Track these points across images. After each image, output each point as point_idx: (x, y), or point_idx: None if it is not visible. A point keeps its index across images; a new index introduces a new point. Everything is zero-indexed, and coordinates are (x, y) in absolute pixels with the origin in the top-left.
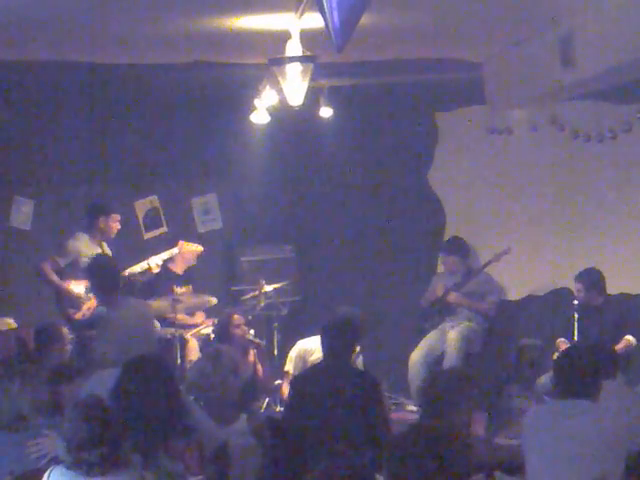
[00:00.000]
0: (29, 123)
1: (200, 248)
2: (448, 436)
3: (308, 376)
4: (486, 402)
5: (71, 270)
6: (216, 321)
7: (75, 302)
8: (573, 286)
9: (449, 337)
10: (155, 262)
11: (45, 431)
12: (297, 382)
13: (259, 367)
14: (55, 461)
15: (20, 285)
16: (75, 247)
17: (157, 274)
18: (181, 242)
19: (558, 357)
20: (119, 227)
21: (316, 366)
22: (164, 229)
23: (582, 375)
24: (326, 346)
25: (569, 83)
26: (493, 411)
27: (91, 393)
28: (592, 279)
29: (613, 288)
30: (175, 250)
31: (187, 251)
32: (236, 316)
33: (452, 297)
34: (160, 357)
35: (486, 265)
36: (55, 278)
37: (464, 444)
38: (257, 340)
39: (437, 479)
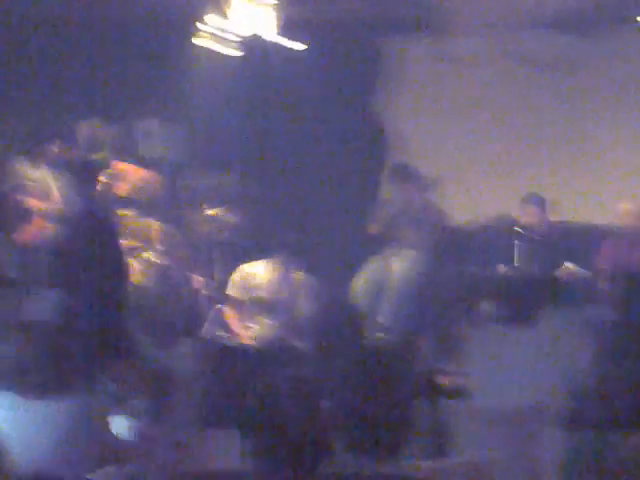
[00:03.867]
0: None
1: (136, 169)
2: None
3: None
4: (429, 328)
5: None
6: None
7: None
8: (519, 211)
9: (395, 265)
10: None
11: None
12: None
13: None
14: None
15: None
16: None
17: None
18: (115, 162)
19: (497, 284)
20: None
21: None
22: (105, 153)
23: (521, 301)
24: None
25: (521, 10)
26: (436, 337)
27: (33, 315)
28: (542, 203)
29: (554, 216)
30: (110, 170)
31: (129, 172)
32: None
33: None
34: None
35: (422, 191)
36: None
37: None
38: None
39: (383, 402)
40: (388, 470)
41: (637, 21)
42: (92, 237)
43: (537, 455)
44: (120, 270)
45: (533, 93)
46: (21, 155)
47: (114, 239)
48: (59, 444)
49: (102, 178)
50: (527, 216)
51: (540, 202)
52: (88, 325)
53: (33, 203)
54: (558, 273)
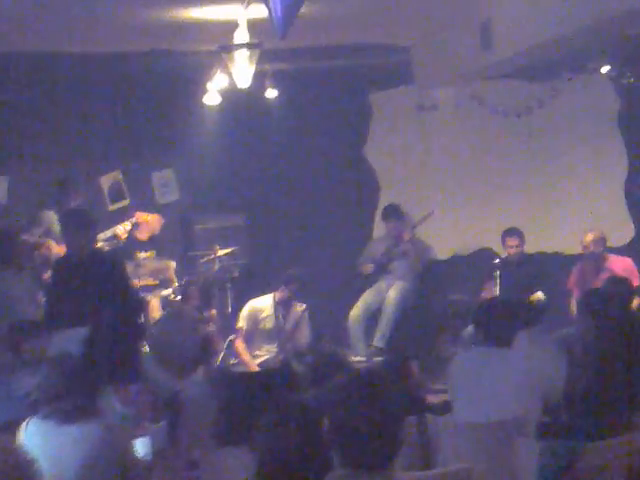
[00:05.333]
0: (3, 110)
1: (155, 218)
2: (386, 381)
3: None
4: (419, 351)
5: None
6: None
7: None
8: (501, 242)
9: (389, 295)
10: (121, 230)
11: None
12: None
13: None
14: (33, 409)
15: None
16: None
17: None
18: (138, 213)
19: (477, 310)
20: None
21: None
22: (127, 201)
23: (499, 325)
24: None
25: (488, 64)
26: (425, 359)
27: (61, 348)
28: (520, 235)
29: (529, 247)
30: (133, 219)
31: (144, 220)
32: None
33: (407, 236)
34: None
35: (413, 227)
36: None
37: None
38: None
39: (376, 420)
40: None
41: (598, 71)
42: (103, 277)
43: (515, 463)
44: (136, 306)
45: (504, 136)
46: (50, 207)
47: (124, 277)
48: (86, 464)
49: (125, 226)
50: (508, 247)
51: (519, 235)
52: (109, 357)
53: (58, 249)
54: (532, 299)
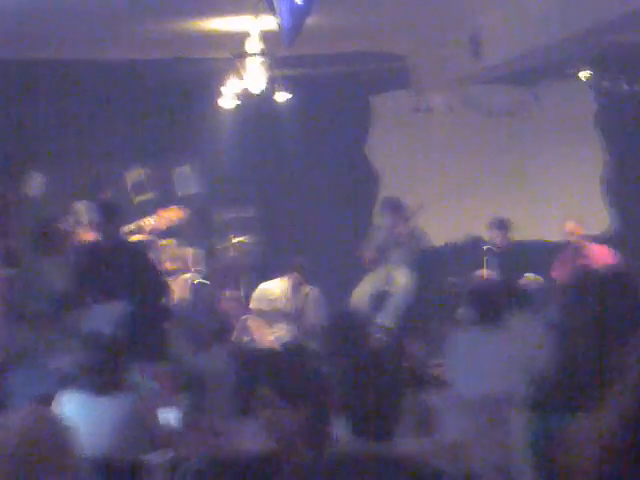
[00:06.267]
0: (40, 112)
1: (174, 210)
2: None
3: None
4: (419, 331)
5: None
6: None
7: None
8: (487, 232)
9: (399, 281)
10: (145, 224)
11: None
12: None
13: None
14: (64, 382)
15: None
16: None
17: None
18: (160, 210)
19: (470, 291)
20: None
21: None
22: (149, 194)
23: (489, 305)
24: None
25: (477, 70)
26: (424, 338)
27: (93, 327)
28: (506, 225)
29: (514, 236)
30: (155, 216)
31: (168, 213)
32: None
33: (400, 229)
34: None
35: (408, 219)
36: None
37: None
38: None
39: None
40: (383, 449)
41: (577, 76)
42: (132, 261)
43: (506, 435)
44: (161, 287)
45: (492, 135)
46: (80, 199)
47: (149, 262)
48: (118, 432)
49: (149, 220)
50: (494, 236)
51: (504, 224)
52: (138, 334)
53: (87, 236)
54: (521, 282)
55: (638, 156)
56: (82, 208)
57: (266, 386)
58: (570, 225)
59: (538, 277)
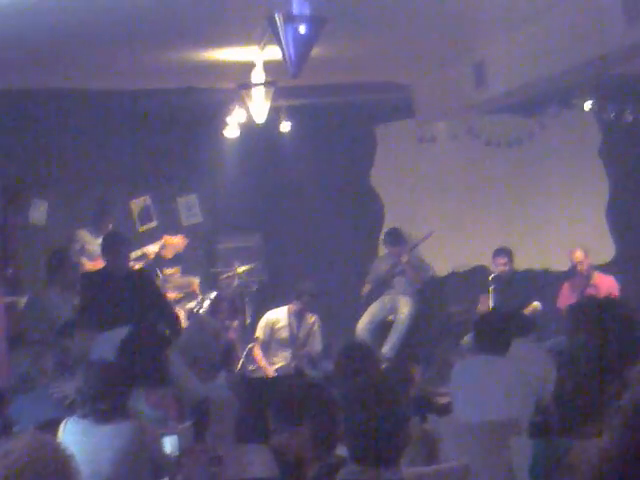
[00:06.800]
0: (44, 140)
1: (180, 239)
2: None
3: None
4: (423, 358)
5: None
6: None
7: None
8: (492, 261)
9: (402, 311)
10: (151, 250)
11: (52, 389)
12: None
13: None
14: (71, 409)
15: (35, 270)
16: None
17: (153, 259)
18: (165, 236)
19: (476, 321)
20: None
21: None
22: (154, 223)
23: (496, 335)
24: None
25: (482, 100)
26: (428, 365)
27: (99, 354)
28: (509, 254)
29: (517, 265)
30: (161, 242)
31: (170, 243)
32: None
33: (404, 258)
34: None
35: (414, 246)
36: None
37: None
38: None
39: (387, 420)
40: (388, 476)
41: (582, 106)
42: (137, 290)
43: (510, 459)
44: (169, 315)
45: (496, 165)
46: (85, 227)
47: (156, 290)
48: (120, 460)
49: (155, 247)
50: (498, 265)
51: (507, 254)
52: (142, 361)
53: (90, 265)
54: (527, 310)
55: None
56: (87, 237)
57: (274, 411)
58: (578, 253)
59: (538, 305)
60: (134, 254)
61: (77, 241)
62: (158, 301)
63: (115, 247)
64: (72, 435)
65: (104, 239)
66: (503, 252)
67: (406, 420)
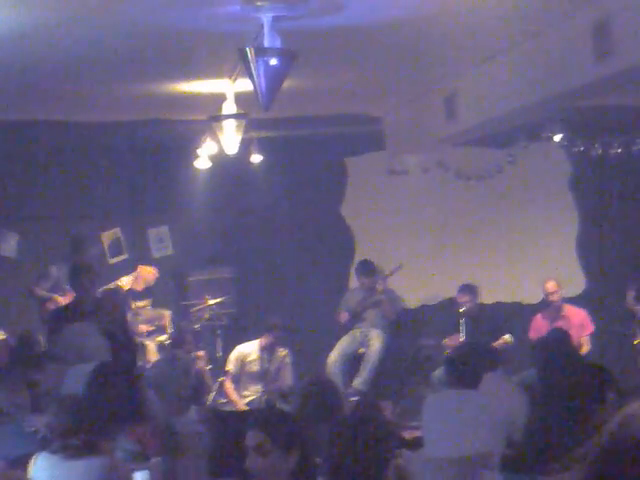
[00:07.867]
0: (13, 174)
1: (153, 269)
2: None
3: None
4: (392, 392)
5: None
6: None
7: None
8: (457, 297)
9: (373, 344)
10: (125, 282)
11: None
12: None
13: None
14: (44, 444)
15: (8, 303)
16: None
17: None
18: (140, 266)
19: (448, 355)
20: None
21: None
22: (125, 255)
23: (467, 369)
24: None
25: (452, 133)
26: (397, 399)
27: (70, 389)
28: (474, 290)
29: (488, 298)
30: (136, 273)
31: (145, 272)
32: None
33: (380, 287)
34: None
35: (385, 279)
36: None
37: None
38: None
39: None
40: None
41: (552, 139)
42: (106, 321)
43: None
44: (134, 348)
45: (467, 198)
46: (57, 262)
47: (124, 322)
48: None
49: (129, 278)
50: (461, 302)
51: (470, 290)
52: (112, 396)
53: (61, 300)
54: (497, 344)
55: (612, 218)
56: (57, 272)
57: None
58: (550, 284)
59: (509, 338)
60: (107, 287)
61: (49, 277)
62: (123, 333)
63: (79, 277)
64: (42, 470)
65: (69, 271)
66: (465, 289)
67: (376, 455)
